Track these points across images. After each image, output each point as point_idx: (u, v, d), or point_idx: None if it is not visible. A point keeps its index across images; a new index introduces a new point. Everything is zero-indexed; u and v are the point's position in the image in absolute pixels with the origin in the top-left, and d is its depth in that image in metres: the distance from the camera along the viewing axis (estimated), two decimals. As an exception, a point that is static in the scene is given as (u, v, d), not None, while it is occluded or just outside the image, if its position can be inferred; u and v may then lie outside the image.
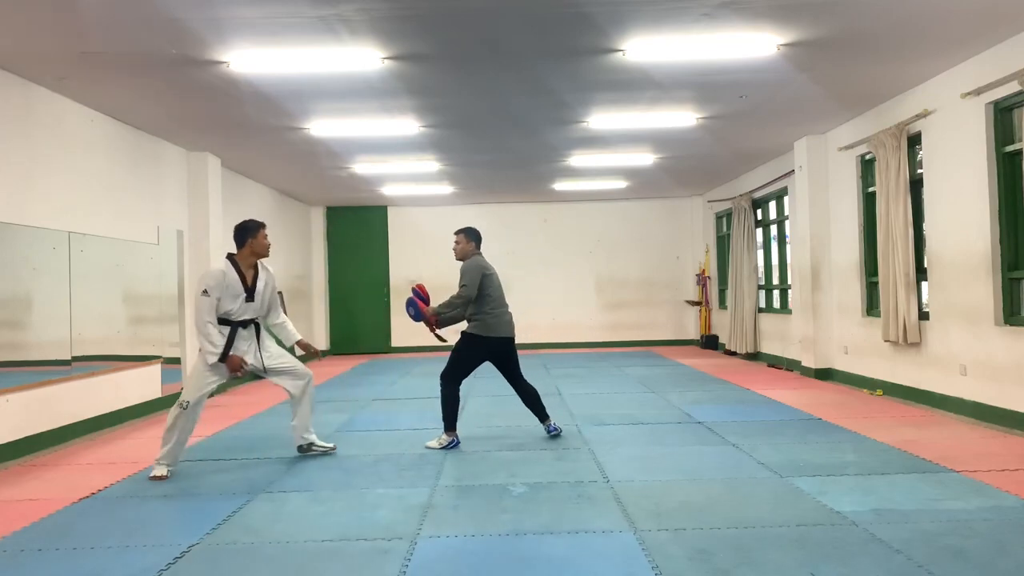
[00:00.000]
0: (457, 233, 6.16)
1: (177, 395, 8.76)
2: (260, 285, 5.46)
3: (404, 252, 15.40)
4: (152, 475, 5.18)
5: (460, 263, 6.07)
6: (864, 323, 8.69)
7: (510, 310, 6.12)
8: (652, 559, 3.41)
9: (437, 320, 5.94)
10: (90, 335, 7.21)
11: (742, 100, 7.70)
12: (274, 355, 5.55)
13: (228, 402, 8.88)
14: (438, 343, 6.40)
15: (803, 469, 4.96)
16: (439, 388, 6.02)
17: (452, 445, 5.90)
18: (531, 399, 6.17)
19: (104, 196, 7.53)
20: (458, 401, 6.00)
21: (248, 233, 5.47)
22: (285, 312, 5.81)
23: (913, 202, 7.57)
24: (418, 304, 5.97)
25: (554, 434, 6.17)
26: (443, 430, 5.97)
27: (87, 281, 7.16)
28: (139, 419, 7.79)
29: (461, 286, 5.90)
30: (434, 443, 5.92)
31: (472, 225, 6.30)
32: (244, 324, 5.40)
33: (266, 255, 5.52)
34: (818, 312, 9.60)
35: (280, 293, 5.56)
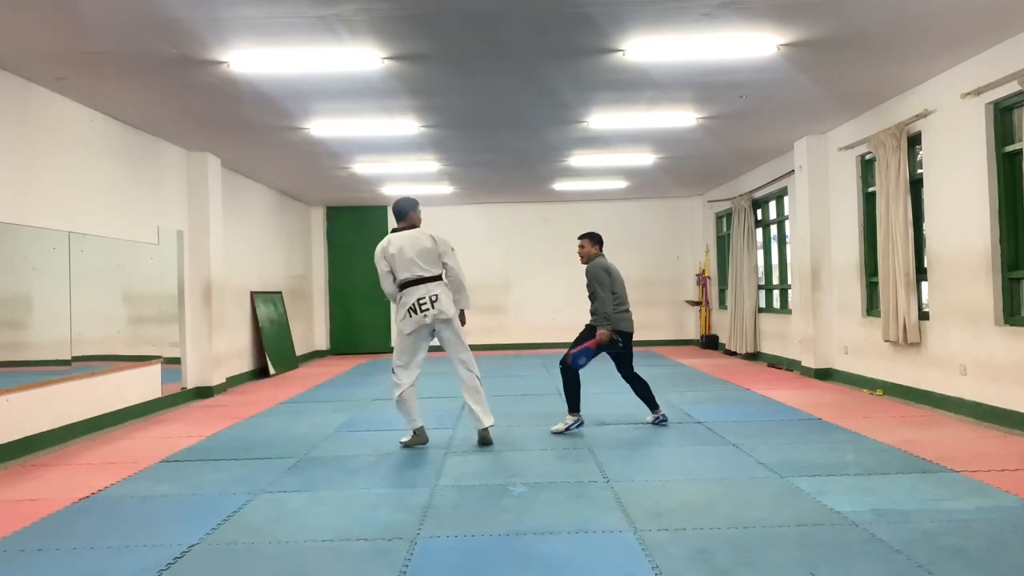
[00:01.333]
0: (581, 238, 6.64)
1: (177, 395, 8.81)
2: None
3: (404, 252, 15.37)
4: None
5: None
6: (864, 323, 8.69)
7: (630, 308, 6.57)
8: (652, 559, 3.41)
9: (607, 334, 6.27)
10: (90, 335, 7.21)
11: (742, 100, 7.70)
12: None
13: (228, 402, 8.89)
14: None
15: (803, 469, 4.96)
16: (561, 376, 6.42)
17: (578, 424, 6.31)
18: (640, 388, 6.58)
19: (104, 196, 7.53)
20: (579, 384, 6.40)
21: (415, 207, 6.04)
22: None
23: (913, 202, 7.57)
24: (589, 347, 6.26)
25: (660, 423, 6.57)
26: (567, 411, 6.40)
27: (87, 281, 7.16)
28: (139, 419, 7.79)
29: (597, 286, 6.27)
30: (560, 426, 6.30)
31: (597, 232, 6.71)
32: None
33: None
34: (818, 312, 9.60)
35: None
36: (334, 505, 4.44)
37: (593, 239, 6.62)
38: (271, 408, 8.29)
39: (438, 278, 5.80)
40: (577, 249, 6.66)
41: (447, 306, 5.76)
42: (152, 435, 6.91)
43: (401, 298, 5.78)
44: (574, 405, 6.37)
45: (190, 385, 9.19)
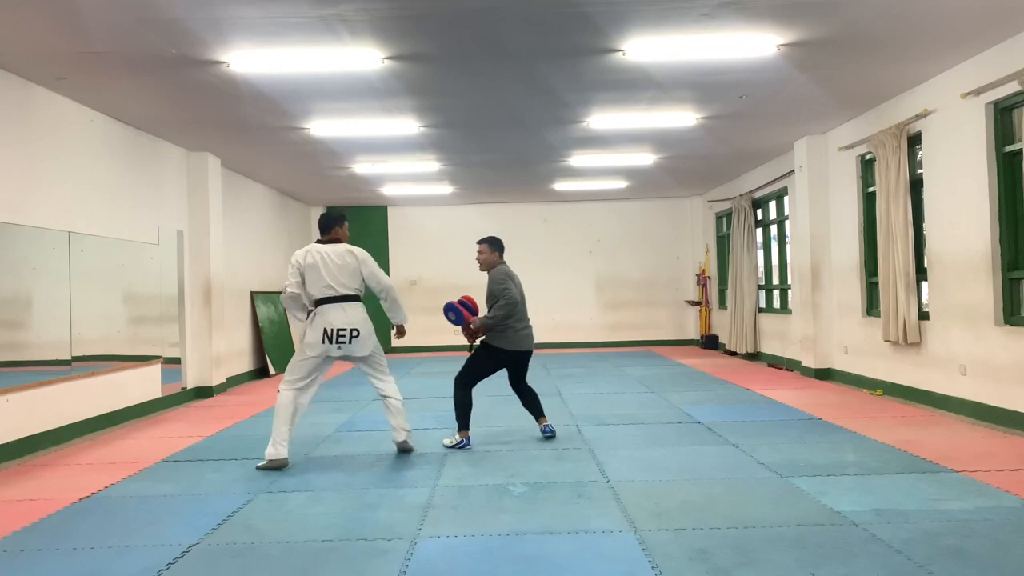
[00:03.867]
0: (480, 243, 6.14)
1: (177, 395, 8.80)
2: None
3: (404, 252, 15.40)
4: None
5: (484, 273, 6.12)
6: (864, 323, 8.69)
7: (531, 324, 6.18)
8: (652, 559, 3.41)
9: (482, 330, 5.92)
10: (90, 335, 7.21)
11: (742, 100, 7.70)
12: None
13: (228, 402, 8.89)
14: (463, 343, 6.38)
15: (803, 469, 4.96)
16: (453, 390, 6.04)
17: (462, 445, 5.92)
18: (530, 400, 6.24)
19: (104, 196, 7.53)
20: (471, 403, 6.04)
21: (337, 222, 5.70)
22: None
23: (913, 202, 7.57)
24: (464, 314, 5.93)
25: (548, 435, 6.17)
26: (456, 430, 6.01)
27: (87, 281, 7.16)
28: (139, 419, 7.79)
29: (502, 289, 5.85)
30: (448, 441, 5.98)
31: (498, 237, 6.29)
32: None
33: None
34: (818, 312, 9.60)
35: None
36: (334, 505, 4.44)
37: (493, 244, 6.09)
38: (271, 408, 8.27)
39: (357, 298, 5.47)
40: (476, 255, 6.11)
41: (365, 344, 5.47)
42: (152, 435, 6.91)
43: (314, 317, 5.39)
44: (464, 423, 5.94)
45: (190, 385, 9.19)
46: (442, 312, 6.06)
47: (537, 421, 6.26)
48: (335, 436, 6.51)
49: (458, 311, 5.95)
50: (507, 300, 5.83)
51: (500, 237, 6.28)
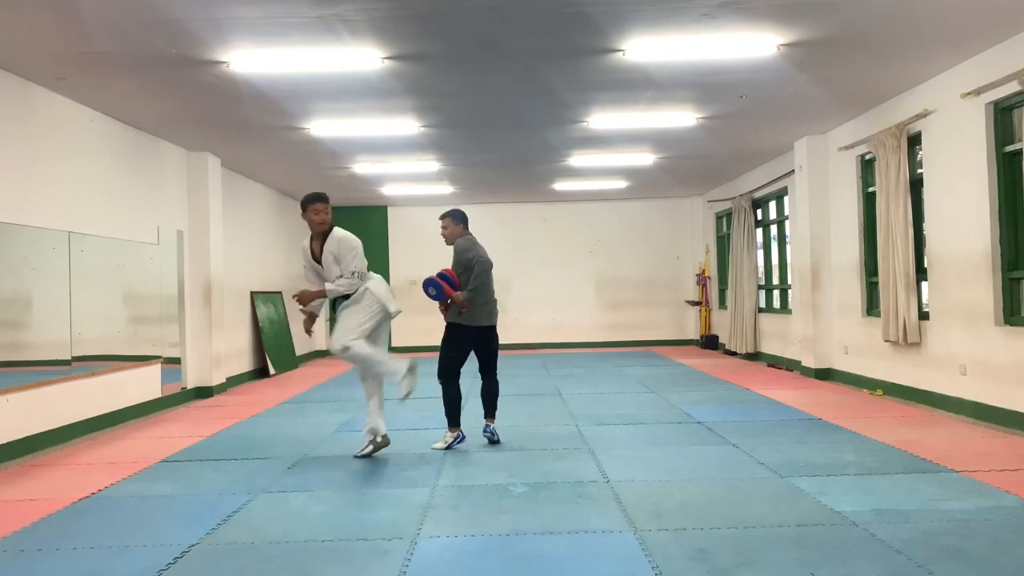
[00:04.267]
0: (443, 217, 6.11)
1: (177, 395, 8.80)
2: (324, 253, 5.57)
3: (404, 252, 15.39)
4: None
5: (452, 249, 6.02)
6: (864, 323, 8.69)
7: (496, 298, 6.05)
8: (652, 559, 3.41)
9: (465, 304, 5.81)
10: (90, 335, 7.21)
11: (742, 100, 7.70)
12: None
13: (228, 402, 8.89)
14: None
15: (803, 469, 4.96)
16: (441, 389, 5.97)
17: (459, 440, 5.88)
18: (489, 393, 6.09)
19: (104, 196, 7.53)
20: (459, 397, 5.96)
21: (302, 209, 5.65)
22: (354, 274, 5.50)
23: (913, 202, 7.57)
24: (444, 288, 5.81)
25: (487, 437, 6.01)
26: (447, 428, 5.95)
27: (87, 281, 7.16)
28: (139, 419, 7.79)
29: (470, 257, 5.80)
30: (440, 444, 5.89)
31: (459, 209, 6.20)
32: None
33: (315, 230, 5.58)
34: (818, 312, 9.60)
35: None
36: (334, 505, 4.44)
37: (456, 217, 6.04)
38: (271, 408, 8.29)
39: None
40: (440, 230, 6.09)
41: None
42: (152, 435, 6.91)
43: (369, 281, 5.53)
44: (454, 420, 5.89)
45: (190, 385, 9.19)
46: (434, 299, 5.96)
47: (485, 418, 6.09)
48: (335, 436, 6.51)
49: (439, 286, 5.83)
50: (480, 264, 5.79)
51: (476, 226, 6.23)
